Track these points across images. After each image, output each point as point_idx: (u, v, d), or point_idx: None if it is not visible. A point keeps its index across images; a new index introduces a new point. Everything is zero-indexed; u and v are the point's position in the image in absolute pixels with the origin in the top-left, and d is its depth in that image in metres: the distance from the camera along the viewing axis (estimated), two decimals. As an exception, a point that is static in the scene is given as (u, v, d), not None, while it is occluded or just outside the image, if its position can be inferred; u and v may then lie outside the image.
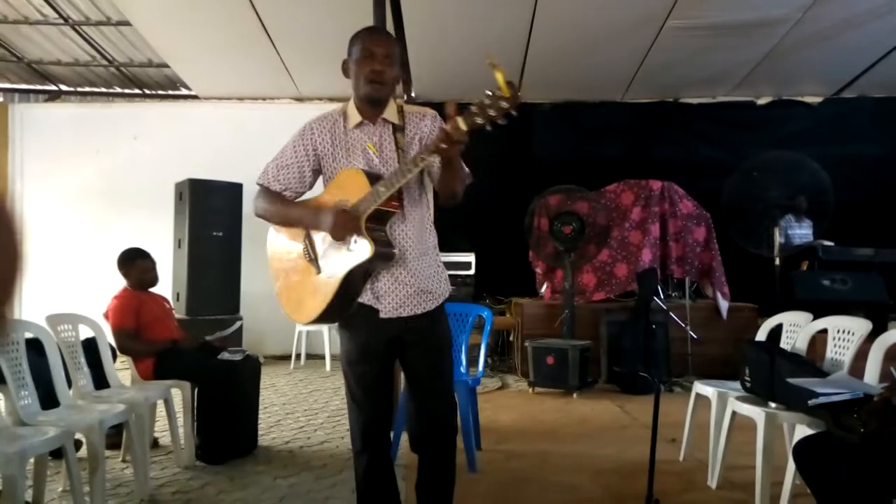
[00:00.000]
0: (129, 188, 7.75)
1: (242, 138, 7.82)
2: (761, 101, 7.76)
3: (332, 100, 7.98)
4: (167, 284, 6.48)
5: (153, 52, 7.04)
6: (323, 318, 2.07)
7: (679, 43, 6.26)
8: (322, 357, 7.03)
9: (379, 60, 2.03)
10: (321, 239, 2.08)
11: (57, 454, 2.84)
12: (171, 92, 8.36)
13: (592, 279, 6.45)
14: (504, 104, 1.75)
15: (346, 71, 2.12)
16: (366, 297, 2.08)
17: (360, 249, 1.98)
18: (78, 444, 3.11)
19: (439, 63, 6.66)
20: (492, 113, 1.76)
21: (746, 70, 7.00)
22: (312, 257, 2.10)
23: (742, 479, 3.12)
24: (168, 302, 4.17)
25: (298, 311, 2.14)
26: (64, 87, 8.37)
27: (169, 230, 6.94)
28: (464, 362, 3.80)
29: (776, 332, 3.45)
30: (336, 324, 2.20)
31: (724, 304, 6.26)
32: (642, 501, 2.47)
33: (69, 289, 7.39)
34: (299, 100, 8.07)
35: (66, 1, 6.30)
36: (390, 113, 2.12)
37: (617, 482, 3.27)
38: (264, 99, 8.04)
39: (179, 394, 3.69)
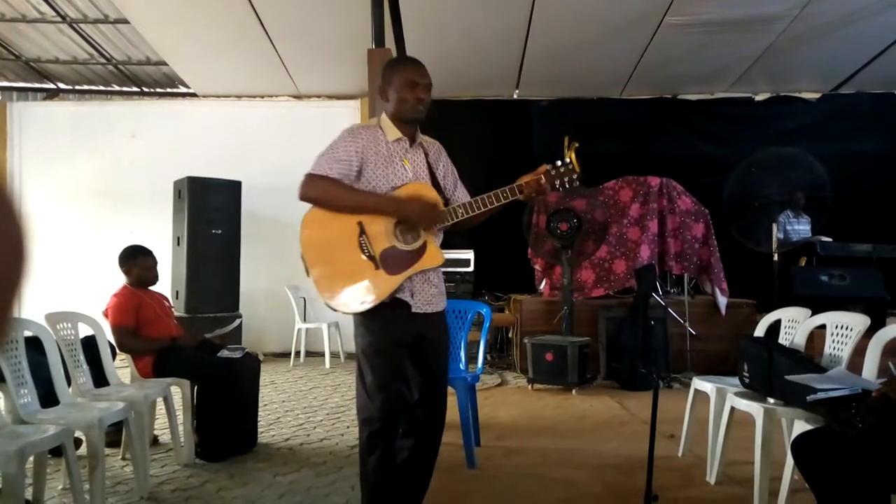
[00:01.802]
0: (127, 186, 7.75)
1: (241, 136, 7.84)
2: (759, 98, 7.77)
3: (330, 97, 7.99)
4: (166, 282, 6.48)
5: (151, 50, 7.03)
6: (370, 309, 2.24)
7: (677, 39, 6.26)
8: (321, 354, 7.03)
9: (422, 89, 2.31)
10: (381, 237, 2.24)
11: (57, 452, 2.84)
12: (169, 90, 8.36)
13: (591, 276, 6.46)
14: (574, 177, 2.29)
15: (383, 95, 2.37)
16: (402, 293, 2.26)
17: (431, 256, 2.28)
18: (77, 443, 3.11)
19: (437, 61, 6.59)
20: (565, 180, 2.29)
21: (744, 66, 7.00)
22: (371, 253, 2.23)
23: (741, 475, 3.13)
24: (167, 300, 4.16)
25: (347, 301, 2.25)
26: (62, 86, 8.36)
27: (168, 228, 6.95)
28: (463, 359, 3.81)
29: (775, 328, 3.45)
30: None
31: (722, 301, 6.27)
32: (641, 497, 2.47)
33: (68, 287, 7.38)
34: (297, 97, 8.07)
35: (63, -1, 6.29)
36: (420, 136, 2.40)
37: (616, 478, 3.28)
38: (262, 97, 8.04)
39: (179, 391, 3.70)
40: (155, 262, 4.01)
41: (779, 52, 6.58)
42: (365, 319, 2.29)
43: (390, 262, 2.23)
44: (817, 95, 7.72)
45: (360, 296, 2.23)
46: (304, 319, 7.22)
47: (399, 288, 2.24)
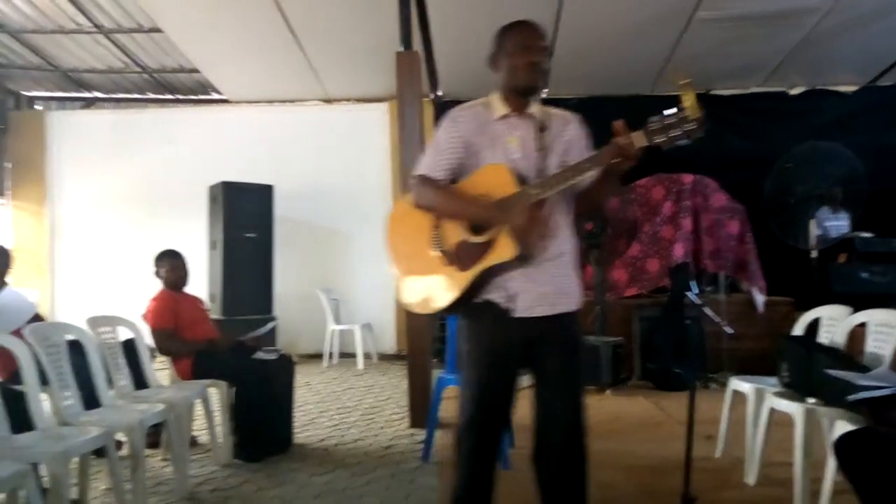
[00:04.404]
0: (164, 192, 7.90)
1: (272, 141, 7.95)
2: (794, 92, 7.62)
3: (359, 100, 8.05)
4: (203, 286, 6.60)
5: (184, 57, 7.17)
6: (447, 311, 2.06)
7: (708, 35, 6.17)
8: (354, 356, 7.08)
9: (537, 52, 2.04)
10: (454, 230, 2.04)
11: (100, 453, 2.91)
12: (202, 97, 8.50)
13: (624, 275, 6.39)
14: (691, 126, 1.72)
15: (494, 64, 2.13)
16: (497, 296, 2.02)
17: (501, 249, 1.95)
18: (119, 444, 3.19)
19: (465, 61, 6.63)
20: (674, 133, 1.74)
21: (778, 60, 6.87)
22: (443, 248, 2.05)
23: (781, 476, 3.07)
24: (203, 303, 4.24)
25: (421, 301, 2.10)
26: (99, 95, 8.56)
27: (203, 232, 7.07)
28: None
29: (814, 327, 3.38)
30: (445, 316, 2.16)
31: (759, 299, 6.15)
32: (678, 499, 2.45)
33: (108, 291, 7.56)
34: (327, 101, 8.15)
35: (99, 10, 6.45)
36: (535, 109, 2.11)
37: (652, 479, 3.24)
38: (293, 101, 8.13)
39: (217, 393, 3.76)
40: (181, 264, 4.08)
41: (813, 46, 6.44)
42: (463, 322, 2.12)
43: (462, 257, 2.01)
44: (853, 88, 7.54)
45: (432, 295, 2.06)
46: (337, 321, 7.28)
47: (485, 288, 2.01)
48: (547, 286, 2.02)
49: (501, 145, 2.06)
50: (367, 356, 7.10)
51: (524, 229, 1.93)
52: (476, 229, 2.01)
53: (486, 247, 1.98)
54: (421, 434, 3.93)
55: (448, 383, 3.68)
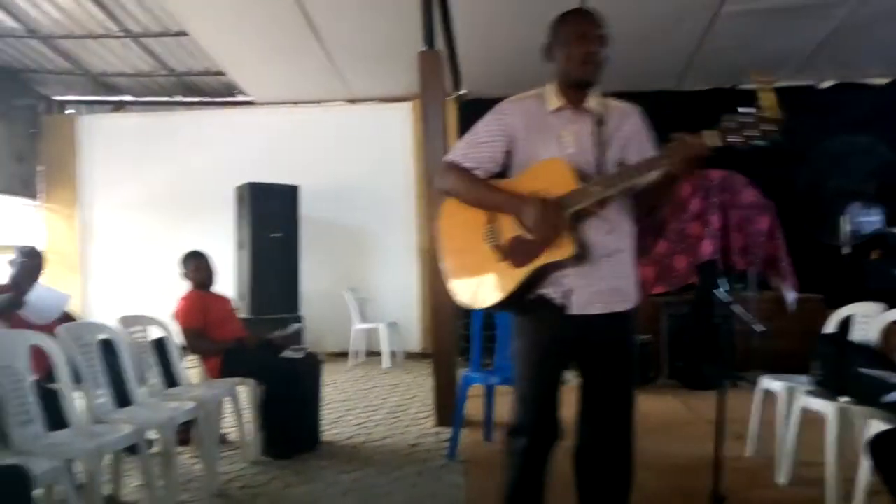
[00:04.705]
0: (192, 193, 8.01)
1: (297, 141, 8.01)
2: (823, 85, 7.47)
3: (382, 100, 8.07)
4: (231, 285, 6.68)
5: (211, 60, 7.25)
6: (499, 307, 2.01)
7: (735, 28, 6.08)
8: (379, 354, 7.11)
9: (593, 41, 1.95)
10: (509, 225, 1.98)
11: (132, 450, 2.96)
12: (228, 99, 8.60)
13: (651, 273, 6.32)
14: (769, 127, 1.64)
15: (548, 55, 2.05)
16: (551, 291, 1.97)
17: (559, 247, 1.90)
18: (150, 441, 3.24)
19: (488, 59, 6.64)
20: (751, 133, 1.65)
21: (807, 53, 6.74)
22: (496, 243, 1.99)
23: (813, 476, 3.02)
24: (231, 302, 4.29)
25: (472, 296, 2.05)
26: (128, 98, 8.70)
27: (231, 233, 7.15)
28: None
29: (846, 325, 3.32)
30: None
31: (790, 296, 6.04)
32: (708, 499, 2.42)
33: (139, 291, 7.69)
34: (351, 101, 8.19)
35: (127, 14, 6.55)
36: (593, 102, 2.01)
37: (681, 479, 3.21)
38: (317, 102, 8.18)
39: (245, 391, 3.80)
40: (206, 264, 4.13)
41: (843, 38, 6.30)
42: (515, 319, 2.07)
43: (516, 253, 1.95)
44: (885, 81, 7.36)
45: (483, 291, 2.01)
46: (362, 320, 7.32)
47: (541, 283, 1.96)
48: (602, 284, 1.96)
49: (554, 139, 1.99)
50: (392, 355, 7.13)
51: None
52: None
53: (542, 244, 1.92)
54: (446, 432, 3.94)
55: (473, 381, 3.68)
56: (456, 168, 2.08)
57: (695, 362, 5.42)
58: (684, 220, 6.24)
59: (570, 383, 2.08)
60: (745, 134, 1.66)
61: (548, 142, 1.99)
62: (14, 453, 2.29)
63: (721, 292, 5.96)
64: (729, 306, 5.88)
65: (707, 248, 6.07)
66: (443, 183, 2.11)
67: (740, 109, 1.67)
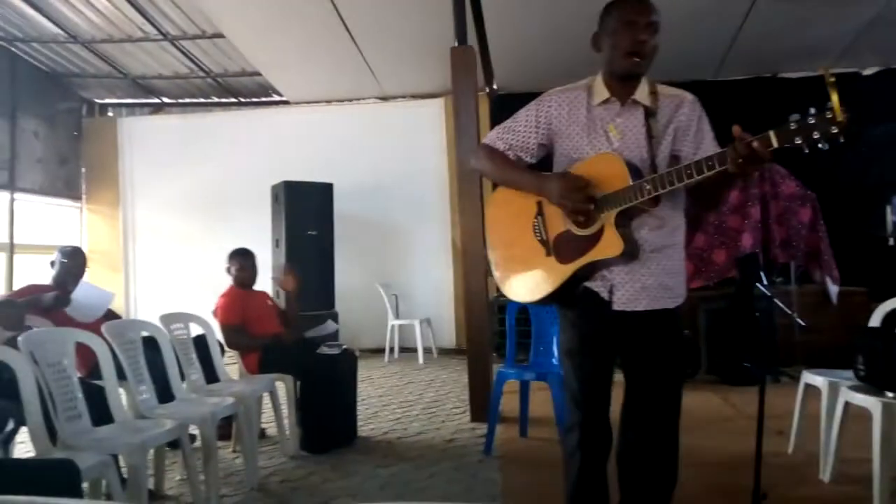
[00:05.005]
0: (229, 192, 8.14)
1: (331, 140, 8.08)
2: (867, 72, 7.26)
3: (414, 97, 8.09)
4: (267, 282, 6.77)
5: (246, 61, 7.36)
6: (545, 301, 1.99)
7: (775, 15, 5.93)
8: (414, 350, 7.14)
9: (641, 29, 1.85)
10: (557, 220, 1.95)
11: (174, 444, 3.03)
12: (263, 99, 8.72)
13: (689, 266, 6.21)
14: (834, 129, 1.57)
15: (596, 45, 1.97)
16: (597, 285, 1.93)
17: (607, 245, 1.86)
18: (192, 436, 3.31)
19: (521, 53, 6.61)
20: (815, 135, 1.58)
21: (849, 40, 6.55)
22: (544, 238, 1.98)
23: (858, 473, 2.94)
24: (270, 299, 4.36)
25: (517, 289, 2.04)
26: (166, 100, 8.88)
27: (267, 231, 7.25)
28: (556, 354, 3.77)
29: (891, 318, 3.22)
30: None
31: (833, 289, 5.90)
32: (749, 495, 2.38)
33: (180, 289, 7.85)
34: (383, 98, 8.22)
35: (164, 18, 6.68)
36: (642, 94, 1.93)
37: (721, 476, 3.16)
38: (350, 100, 8.25)
39: (283, 387, 3.86)
40: (250, 265, 4.18)
41: (887, 23, 6.10)
42: (560, 314, 2.05)
43: (563, 248, 1.92)
44: (931, 67, 7.14)
45: (528, 285, 2.00)
46: (397, 316, 7.36)
47: (590, 278, 1.92)
48: (649, 280, 1.91)
49: (601, 133, 1.93)
50: (426, 351, 7.15)
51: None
52: (581, 221, 1.90)
53: (590, 240, 1.88)
54: (482, 428, 3.94)
55: (508, 377, 3.67)
56: (489, 150, 2.09)
57: (735, 357, 5.32)
58: (723, 213, 6.13)
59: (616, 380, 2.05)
60: (810, 134, 1.60)
61: (593, 136, 1.94)
62: (63, 448, 2.36)
63: (762, 286, 5.85)
64: (770, 300, 5.77)
65: (747, 241, 5.95)
66: (475, 162, 2.14)
67: (811, 110, 1.61)
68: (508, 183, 2.06)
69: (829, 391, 3.11)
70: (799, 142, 1.61)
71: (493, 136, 2.09)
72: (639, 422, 2.00)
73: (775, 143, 1.64)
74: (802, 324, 5.79)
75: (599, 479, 2.05)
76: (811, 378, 3.30)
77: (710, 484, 3.06)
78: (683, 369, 2.06)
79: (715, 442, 3.73)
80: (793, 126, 1.62)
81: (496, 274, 2.11)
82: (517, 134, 2.05)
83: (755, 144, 1.65)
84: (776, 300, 5.82)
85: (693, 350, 5.62)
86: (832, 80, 1.60)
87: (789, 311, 5.81)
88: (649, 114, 1.92)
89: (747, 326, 5.44)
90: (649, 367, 1.97)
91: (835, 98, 1.58)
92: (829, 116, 1.58)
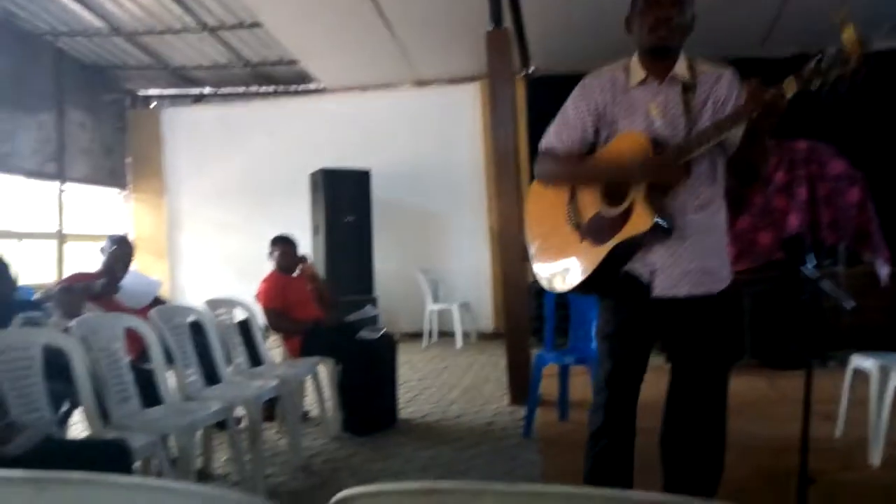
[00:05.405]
0: (269, 180, 8.24)
1: (368, 126, 8.11)
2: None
3: (450, 82, 8.06)
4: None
5: (283, 49, 7.42)
6: (582, 288, 1.96)
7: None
8: (452, 334, 7.17)
9: (664, 6, 1.84)
10: (589, 203, 1.93)
11: (221, 426, 3.11)
12: (301, 87, 8.79)
13: (733, 249, 6.10)
14: (851, 65, 1.53)
15: (628, 27, 1.96)
16: (638, 269, 1.90)
17: (637, 219, 1.80)
18: (237, 418, 3.39)
19: (557, 35, 6.52)
20: (832, 76, 1.55)
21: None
22: (577, 222, 1.95)
23: (910, 459, 2.87)
24: (310, 281, 4.42)
25: (556, 278, 2.02)
26: (206, 90, 9.02)
27: (306, 218, 7.33)
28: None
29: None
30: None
31: (883, 270, 5.71)
32: (795, 480, 2.34)
33: (223, 275, 8.01)
34: (418, 83, 8.21)
35: (203, 8, 6.77)
36: (680, 69, 1.91)
37: (767, 460, 3.11)
38: (386, 86, 8.25)
39: (325, 370, 3.92)
40: (290, 250, 4.25)
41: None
42: (599, 300, 2.03)
43: (596, 230, 1.89)
44: None
45: (566, 272, 1.96)
46: (435, 300, 7.39)
47: (627, 261, 1.88)
48: (691, 263, 1.86)
49: (641, 113, 1.91)
50: (465, 335, 7.18)
51: (661, 179, 1.80)
52: (611, 200, 1.87)
53: (621, 218, 1.84)
54: (521, 411, 3.95)
55: (547, 361, 3.66)
56: (550, 154, 2.05)
57: (780, 341, 5.21)
58: (768, 194, 5.99)
59: (653, 363, 2.03)
60: (828, 76, 1.56)
61: (634, 116, 1.92)
62: (115, 429, 2.44)
63: (808, 268, 5.70)
64: (817, 282, 5.62)
65: (793, 223, 5.81)
66: (540, 171, 2.09)
67: (827, 50, 1.58)
68: (582, 178, 2.00)
69: (880, 374, 3.03)
70: (816, 86, 1.58)
71: (549, 138, 2.06)
72: (683, 408, 1.97)
73: (791, 90, 1.61)
74: (851, 306, 5.63)
75: (620, 461, 2.03)
76: (860, 361, 3.22)
77: (756, 467, 3.02)
78: (730, 354, 1.97)
79: (760, 426, 3.67)
80: (808, 71, 1.59)
81: (536, 268, 2.08)
82: (572, 129, 2.02)
83: (767, 95, 1.62)
84: (823, 282, 5.67)
85: (737, 334, 5.51)
86: (843, 17, 1.55)
87: (837, 294, 5.65)
88: (687, 89, 1.90)
89: (793, 309, 5.32)
90: (693, 353, 1.93)
91: (847, 34, 1.52)
92: (844, 54, 1.55)
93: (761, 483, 2.88)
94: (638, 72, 1.93)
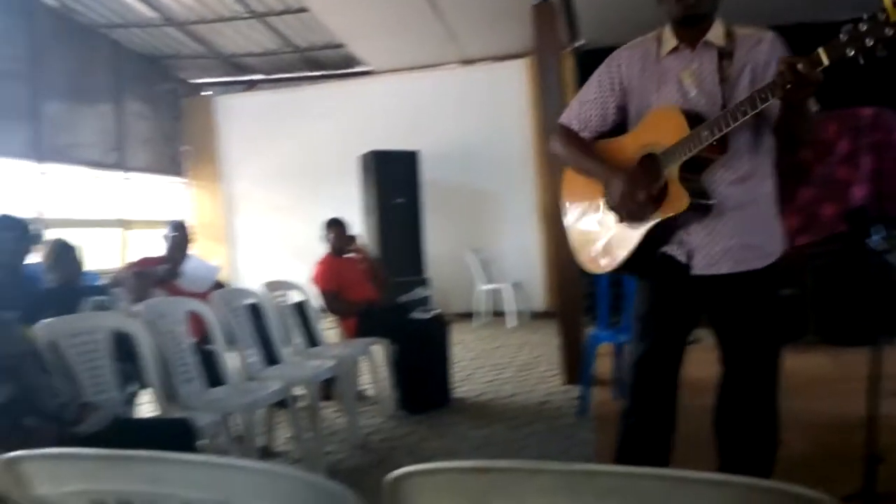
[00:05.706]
0: (320, 164, 8.35)
1: (415, 107, 8.11)
2: None
3: (496, 59, 7.98)
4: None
5: (330, 34, 7.46)
6: (621, 270, 1.94)
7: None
8: (504, 314, 7.17)
9: None
10: (625, 182, 1.87)
11: (281, 404, 3.20)
12: (349, 70, 8.84)
13: (795, 221, 5.89)
14: (888, 30, 1.43)
15: None
16: (674, 249, 1.84)
17: (674, 199, 1.76)
18: (296, 398, 3.48)
19: (606, 5, 6.36)
20: (869, 42, 1.45)
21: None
22: (615, 204, 1.90)
23: None
24: (363, 260, 4.49)
25: (593, 260, 2.01)
26: (257, 77, 9.17)
27: (357, 200, 7.41)
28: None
29: None
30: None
31: (956, 242, 5.44)
32: (861, 459, 2.27)
33: (279, 258, 8.19)
34: (465, 62, 8.16)
35: (252, -5, 6.86)
36: (715, 35, 1.81)
37: (831, 438, 3.03)
38: (432, 66, 8.22)
39: (380, 350, 3.98)
40: (341, 232, 4.32)
41: None
42: (637, 280, 2.00)
43: (633, 211, 1.85)
44: None
45: (604, 255, 1.95)
46: (487, 280, 7.39)
47: (664, 242, 1.84)
48: (731, 239, 1.79)
49: (674, 83, 1.83)
50: (517, 314, 7.17)
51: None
52: (645, 176, 1.83)
53: (657, 200, 1.80)
54: (574, 390, 3.93)
55: (601, 340, 3.64)
56: (563, 132, 2.04)
57: (845, 317, 5.03)
58: (831, 164, 5.75)
59: (710, 341, 1.99)
60: (864, 43, 1.45)
61: (666, 87, 1.85)
62: (181, 408, 2.54)
63: (875, 240, 5.47)
64: (884, 256, 5.39)
65: (858, 194, 5.57)
66: (553, 148, 2.10)
67: (863, 16, 1.46)
68: (581, 171, 2.02)
69: (953, 350, 2.89)
70: (852, 53, 1.48)
71: (571, 114, 2.04)
72: (733, 387, 1.93)
73: (826, 60, 1.51)
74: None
75: (649, 440, 2.00)
76: (932, 337, 3.08)
77: (819, 446, 2.95)
78: (780, 331, 1.92)
79: (825, 404, 3.57)
80: (843, 37, 1.49)
81: (573, 248, 2.07)
82: (591, 105, 1.99)
83: (800, 66, 1.52)
84: (890, 255, 5.43)
85: (799, 310, 5.35)
86: None
87: (906, 267, 5.41)
88: (723, 55, 1.80)
89: (859, 284, 5.12)
90: (739, 331, 1.88)
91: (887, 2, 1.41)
92: (882, 18, 1.43)
93: (828, 460, 2.81)
94: (670, 40, 1.85)
